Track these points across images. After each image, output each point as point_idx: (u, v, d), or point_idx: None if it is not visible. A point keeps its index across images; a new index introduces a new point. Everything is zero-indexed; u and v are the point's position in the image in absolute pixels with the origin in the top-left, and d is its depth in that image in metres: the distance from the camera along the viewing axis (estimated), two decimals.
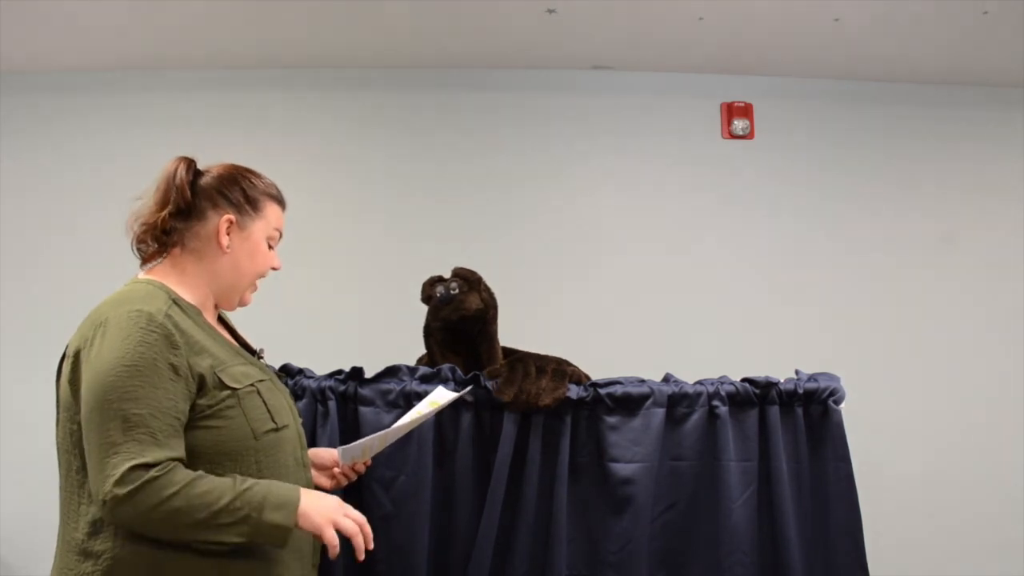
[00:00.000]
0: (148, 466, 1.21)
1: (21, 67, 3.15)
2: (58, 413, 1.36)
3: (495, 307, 1.92)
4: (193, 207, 1.43)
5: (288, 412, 1.47)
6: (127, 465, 1.20)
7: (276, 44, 3.06)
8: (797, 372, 1.90)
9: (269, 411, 1.39)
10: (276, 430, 1.39)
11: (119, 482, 1.20)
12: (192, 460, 1.29)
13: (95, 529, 1.27)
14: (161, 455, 1.23)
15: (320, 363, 1.90)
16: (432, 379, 1.79)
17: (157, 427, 1.24)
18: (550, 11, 2.81)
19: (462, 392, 1.74)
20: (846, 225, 3.37)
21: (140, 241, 1.45)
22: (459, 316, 1.85)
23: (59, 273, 3.10)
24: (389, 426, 1.71)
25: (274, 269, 1.54)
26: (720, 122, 3.40)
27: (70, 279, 3.04)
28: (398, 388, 1.77)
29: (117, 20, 2.83)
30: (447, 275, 1.94)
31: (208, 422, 1.32)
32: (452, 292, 1.86)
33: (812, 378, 1.87)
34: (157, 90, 3.23)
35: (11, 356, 3.07)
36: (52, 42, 2.99)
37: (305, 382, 1.79)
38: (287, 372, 1.82)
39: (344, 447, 1.60)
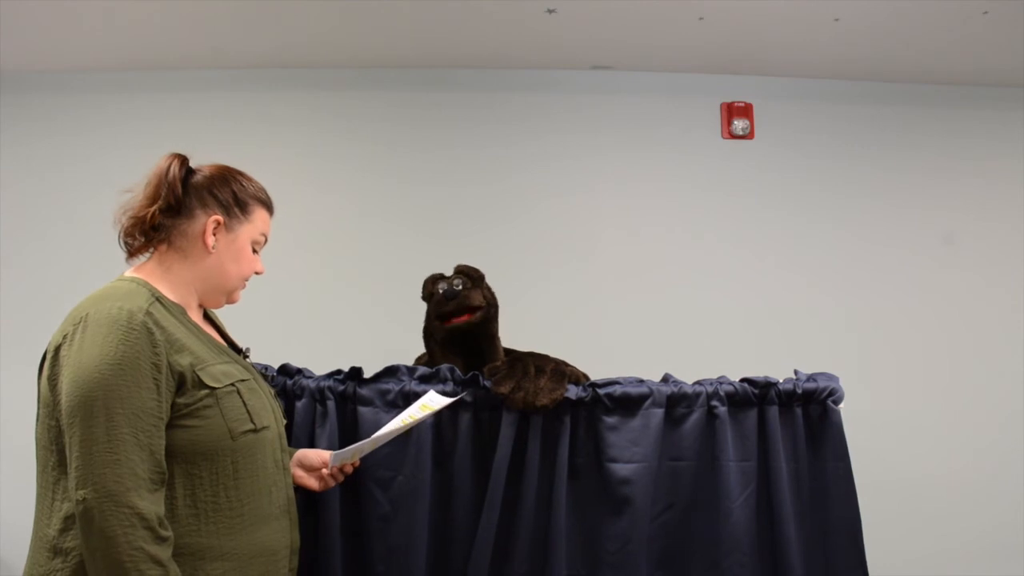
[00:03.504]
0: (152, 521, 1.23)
1: (21, 67, 3.15)
2: (38, 409, 1.34)
3: (496, 305, 1.92)
4: (183, 204, 1.43)
5: (270, 414, 1.46)
6: (136, 503, 1.21)
7: (276, 44, 3.06)
8: (796, 372, 1.90)
9: (248, 412, 1.38)
10: (255, 431, 1.39)
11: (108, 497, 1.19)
12: (168, 459, 1.29)
13: (67, 526, 1.27)
14: (157, 509, 1.24)
15: (319, 363, 1.90)
16: (431, 379, 1.79)
17: (141, 428, 1.24)
18: (550, 11, 2.81)
19: (456, 398, 1.72)
20: (846, 225, 3.37)
21: (127, 234, 1.45)
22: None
23: (59, 273, 3.10)
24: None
25: (257, 273, 1.54)
26: (720, 122, 3.40)
27: (70, 279, 3.03)
28: (397, 388, 1.77)
29: (117, 20, 2.83)
30: (447, 273, 1.93)
31: (185, 421, 1.31)
32: (456, 288, 1.85)
33: (811, 378, 1.87)
34: (157, 90, 3.23)
35: (11, 354, 3.07)
36: (52, 42, 2.99)
37: (304, 382, 1.78)
38: (286, 372, 1.81)
39: (336, 452, 1.60)
